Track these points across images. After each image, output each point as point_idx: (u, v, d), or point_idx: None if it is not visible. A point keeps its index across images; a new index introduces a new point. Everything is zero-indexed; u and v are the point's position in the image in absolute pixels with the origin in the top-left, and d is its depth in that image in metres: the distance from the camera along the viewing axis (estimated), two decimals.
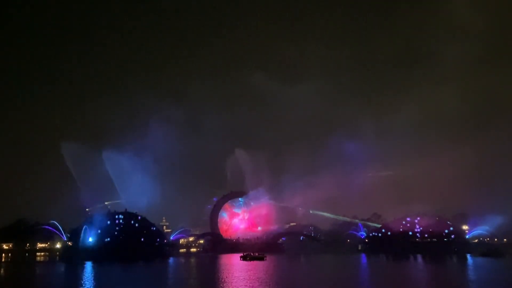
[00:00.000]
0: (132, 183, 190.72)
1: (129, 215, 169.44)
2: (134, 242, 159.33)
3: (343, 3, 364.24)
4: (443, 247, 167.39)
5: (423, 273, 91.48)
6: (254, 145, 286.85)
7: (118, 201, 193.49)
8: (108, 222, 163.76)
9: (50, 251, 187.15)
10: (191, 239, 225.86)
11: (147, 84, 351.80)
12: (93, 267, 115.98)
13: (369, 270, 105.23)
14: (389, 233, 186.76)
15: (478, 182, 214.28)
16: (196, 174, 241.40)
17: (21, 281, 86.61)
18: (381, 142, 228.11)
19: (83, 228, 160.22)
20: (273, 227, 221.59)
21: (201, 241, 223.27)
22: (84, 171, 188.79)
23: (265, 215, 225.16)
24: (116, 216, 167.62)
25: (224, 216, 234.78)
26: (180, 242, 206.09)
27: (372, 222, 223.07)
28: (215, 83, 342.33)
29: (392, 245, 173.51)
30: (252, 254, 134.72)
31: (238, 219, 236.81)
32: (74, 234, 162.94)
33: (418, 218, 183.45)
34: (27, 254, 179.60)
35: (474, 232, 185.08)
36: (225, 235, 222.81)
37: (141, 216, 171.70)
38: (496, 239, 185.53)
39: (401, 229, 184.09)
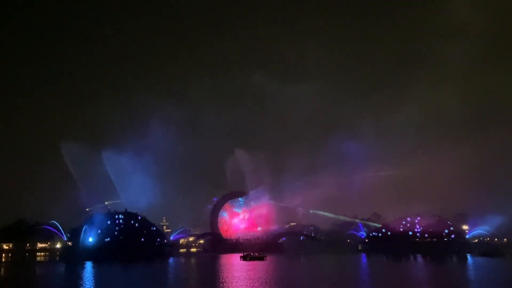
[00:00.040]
0: (132, 183, 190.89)
1: (129, 215, 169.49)
2: (134, 242, 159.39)
3: (343, 3, 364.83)
4: (443, 247, 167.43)
5: (423, 273, 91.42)
6: (254, 145, 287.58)
7: (118, 201, 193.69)
8: (108, 222, 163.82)
9: (50, 251, 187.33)
10: (191, 239, 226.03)
11: (147, 84, 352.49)
12: (93, 267, 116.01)
13: (369, 270, 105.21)
14: (389, 233, 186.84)
15: (478, 182, 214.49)
16: (196, 174, 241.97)
17: (21, 281, 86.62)
18: (381, 142, 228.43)
19: (83, 228, 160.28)
20: (273, 227, 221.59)
21: (201, 241, 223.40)
22: (84, 171, 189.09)
23: (265, 215, 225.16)
24: (116, 216, 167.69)
25: (224, 216, 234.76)
26: (180, 242, 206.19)
27: (372, 222, 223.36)
28: (215, 83, 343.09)
29: (392, 245, 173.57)
30: (252, 254, 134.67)
31: (238, 219, 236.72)
32: (74, 234, 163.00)
33: (418, 218, 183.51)
34: (27, 254, 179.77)
35: (474, 232, 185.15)
36: (225, 235, 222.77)
37: (141, 216, 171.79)
38: (496, 239, 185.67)
39: (401, 229, 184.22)
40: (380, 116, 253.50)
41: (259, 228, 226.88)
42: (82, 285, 74.04)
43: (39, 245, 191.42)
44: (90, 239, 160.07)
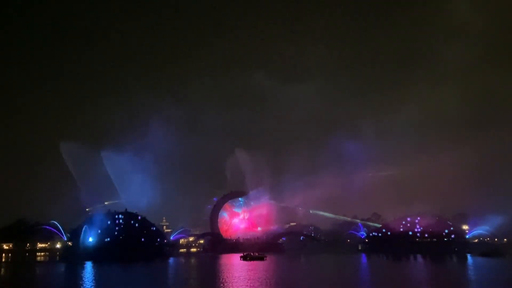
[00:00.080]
0: (132, 183, 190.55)
1: (129, 215, 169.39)
2: (134, 242, 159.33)
3: (343, 3, 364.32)
4: (443, 247, 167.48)
5: (423, 273, 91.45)
6: (254, 145, 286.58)
7: (118, 201, 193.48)
8: (108, 222, 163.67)
9: (50, 251, 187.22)
10: (191, 239, 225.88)
11: (147, 84, 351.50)
12: (93, 267, 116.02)
13: (369, 270, 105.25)
14: (389, 233, 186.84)
15: (478, 182, 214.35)
16: (196, 174, 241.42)
17: (21, 281, 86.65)
18: (381, 142, 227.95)
19: (83, 228, 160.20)
20: (273, 227, 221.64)
21: (201, 241, 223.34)
22: (84, 171, 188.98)
23: (265, 215, 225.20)
24: (116, 216, 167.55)
25: (224, 216, 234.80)
26: (180, 242, 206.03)
27: (372, 222, 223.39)
28: (215, 83, 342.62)
29: (392, 245, 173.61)
30: (252, 254, 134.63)
31: (238, 219, 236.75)
32: (74, 234, 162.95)
33: (418, 218, 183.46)
34: (27, 254, 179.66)
35: (474, 232, 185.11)
36: (225, 235, 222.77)
37: (141, 216, 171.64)
38: (496, 239, 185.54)
39: (401, 229, 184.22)
40: (380, 116, 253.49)
41: (259, 228, 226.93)
42: (82, 285, 74.06)
43: (39, 245, 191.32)
44: (90, 239, 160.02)
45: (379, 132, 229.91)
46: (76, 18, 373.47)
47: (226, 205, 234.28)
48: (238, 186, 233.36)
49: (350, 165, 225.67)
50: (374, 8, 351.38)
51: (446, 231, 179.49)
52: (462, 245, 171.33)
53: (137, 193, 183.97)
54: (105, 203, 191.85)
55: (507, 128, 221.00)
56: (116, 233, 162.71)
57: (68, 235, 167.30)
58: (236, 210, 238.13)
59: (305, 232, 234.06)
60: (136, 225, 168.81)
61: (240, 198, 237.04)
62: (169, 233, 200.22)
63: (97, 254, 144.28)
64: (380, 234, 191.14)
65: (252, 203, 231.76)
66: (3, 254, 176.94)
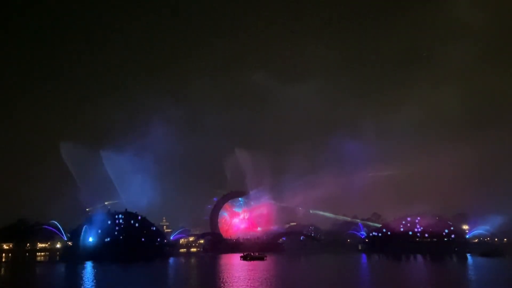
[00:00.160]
0: (132, 183, 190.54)
1: (129, 215, 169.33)
2: (134, 242, 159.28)
3: (343, 3, 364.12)
4: (443, 247, 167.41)
5: (423, 273, 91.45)
6: (254, 145, 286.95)
7: (118, 201, 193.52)
8: (108, 222, 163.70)
9: (50, 251, 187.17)
10: (191, 239, 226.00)
11: (147, 84, 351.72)
12: (93, 267, 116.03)
13: (369, 270, 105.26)
14: (389, 233, 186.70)
15: (478, 182, 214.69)
16: (196, 174, 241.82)
17: (22, 281, 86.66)
18: (381, 142, 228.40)
19: (83, 228, 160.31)
20: (273, 227, 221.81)
21: (201, 241, 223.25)
22: (84, 171, 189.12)
23: (265, 215, 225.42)
24: (116, 216, 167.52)
25: (225, 216, 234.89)
26: (180, 242, 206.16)
27: (372, 222, 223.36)
28: (215, 83, 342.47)
29: (392, 245, 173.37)
30: (252, 254, 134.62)
31: (239, 219, 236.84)
32: (74, 234, 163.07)
33: (418, 218, 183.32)
34: (27, 254, 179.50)
35: (474, 232, 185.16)
36: (225, 235, 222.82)
37: (141, 216, 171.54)
38: (496, 239, 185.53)
39: (401, 229, 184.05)
40: (380, 116, 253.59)
41: (259, 228, 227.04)
42: (82, 285, 74.12)
43: (39, 245, 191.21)
44: (90, 239, 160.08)
45: (379, 132, 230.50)
46: (76, 18, 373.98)
47: (226, 205, 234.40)
48: (238, 186, 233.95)
49: (350, 165, 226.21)
50: (374, 8, 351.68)
51: (446, 231, 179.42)
52: (462, 245, 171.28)
53: (137, 193, 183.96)
54: (105, 203, 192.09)
55: (507, 128, 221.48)
56: (116, 233, 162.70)
57: (68, 235, 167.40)
58: (236, 210, 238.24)
59: (305, 232, 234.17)
60: (136, 225, 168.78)
61: (240, 198, 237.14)
62: (169, 233, 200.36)
63: (97, 254, 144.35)
64: (380, 234, 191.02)
65: (252, 203, 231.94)
66: (3, 254, 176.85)
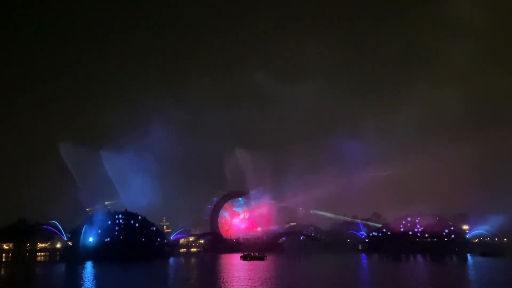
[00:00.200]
0: (132, 183, 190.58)
1: (129, 215, 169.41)
2: (134, 242, 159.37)
3: (343, 3, 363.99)
4: (443, 247, 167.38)
5: (423, 273, 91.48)
6: (254, 145, 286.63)
7: (118, 201, 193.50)
8: (108, 222, 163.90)
9: (50, 251, 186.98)
10: (191, 239, 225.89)
11: (147, 84, 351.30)
12: (93, 267, 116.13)
13: (369, 270, 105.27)
14: (389, 233, 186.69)
15: (478, 182, 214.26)
16: (196, 174, 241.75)
17: (21, 281, 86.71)
18: (381, 142, 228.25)
19: (83, 228, 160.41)
20: (273, 227, 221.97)
21: (201, 241, 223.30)
22: (84, 171, 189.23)
23: (265, 215, 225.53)
24: (116, 216, 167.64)
25: (225, 216, 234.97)
26: (180, 242, 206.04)
27: (373, 222, 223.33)
28: (215, 83, 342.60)
29: (392, 245, 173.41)
30: (252, 254, 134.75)
31: (239, 219, 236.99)
32: (74, 234, 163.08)
33: (419, 218, 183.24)
34: (27, 254, 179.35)
35: (474, 232, 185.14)
36: (225, 235, 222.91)
37: (141, 216, 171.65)
38: (496, 239, 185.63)
39: (401, 229, 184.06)
40: (380, 116, 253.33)
41: (259, 228, 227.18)
42: (82, 285, 74.13)
43: (39, 245, 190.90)
44: (90, 239, 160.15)
45: (379, 132, 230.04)
46: (76, 18, 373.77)
47: (226, 205, 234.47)
48: (238, 186, 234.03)
49: (350, 165, 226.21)
50: (374, 8, 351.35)
51: (446, 231, 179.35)
52: (462, 245, 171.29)
53: (137, 193, 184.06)
54: (105, 203, 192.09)
55: (507, 128, 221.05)
56: (116, 233, 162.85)
57: (68, 235, 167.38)
58: (236, 210, 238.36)
59: (305, 232, 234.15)
60: (136, 225, 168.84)
61: (240, 198, 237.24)
62: (169, 233, 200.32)
63: (97, 254, 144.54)
64: (380, 234, 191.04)
65: (252, 203, 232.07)
66: (3, 254, 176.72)
